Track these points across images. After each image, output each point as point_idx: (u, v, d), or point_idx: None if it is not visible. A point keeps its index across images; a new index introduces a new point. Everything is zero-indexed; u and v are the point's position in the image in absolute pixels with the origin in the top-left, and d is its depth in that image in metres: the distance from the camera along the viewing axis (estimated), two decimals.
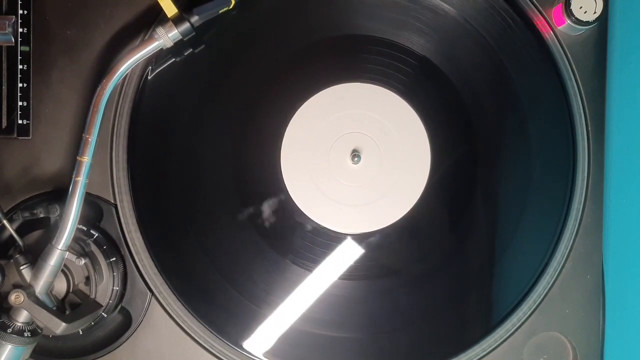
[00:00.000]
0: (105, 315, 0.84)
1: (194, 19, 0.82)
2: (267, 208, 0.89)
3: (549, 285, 0.89)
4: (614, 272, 0.96)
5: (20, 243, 0.81)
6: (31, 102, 0.86)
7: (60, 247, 0.78)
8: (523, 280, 0.89)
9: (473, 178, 0.90)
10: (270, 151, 0.89)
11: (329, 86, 0.90)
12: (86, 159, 0.79)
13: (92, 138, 0.80)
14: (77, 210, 0.78)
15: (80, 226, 0.84)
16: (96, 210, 0.87)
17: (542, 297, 0.89)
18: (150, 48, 0.82)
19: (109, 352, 0.87)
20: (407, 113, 0.90)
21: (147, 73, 0.88)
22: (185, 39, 0.83)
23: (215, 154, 0.89)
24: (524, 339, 0.89)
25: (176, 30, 0.82)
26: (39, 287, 0.78)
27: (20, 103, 0.86)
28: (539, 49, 0.90)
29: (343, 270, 0.89)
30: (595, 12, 0.87)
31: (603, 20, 0.88)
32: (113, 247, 0.86)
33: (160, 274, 0.87)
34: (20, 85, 0.86)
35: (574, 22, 0.87)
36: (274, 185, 0.89)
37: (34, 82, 0.86)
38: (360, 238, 0.90)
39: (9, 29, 0.84)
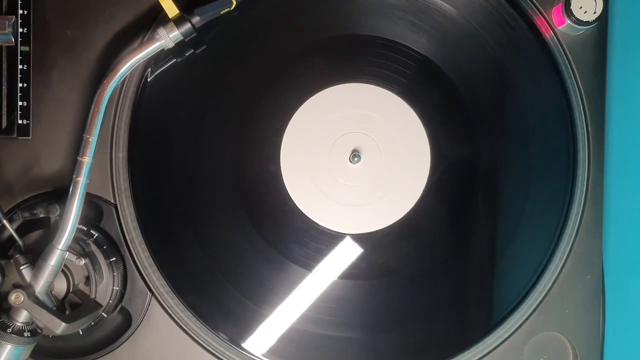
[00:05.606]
0: (105, 315, 0.84)
1: (196, 19, 0.82)
2: (266, 208, 0.89)
3: (549, 285, 0.89)
4: (614, 272, 0.95)
5: (20, 243, 0.81)
6: (31, 102, 0.86)
7: (60, 247, 0.78)
8: (523, 280, 0.89)
9: (473, 178, 0.91)
10: (270, 151, 0.89)
11: (329, 86, 0.90)
12: (87, 159, 0.79)
13: (92, 138, 0.80)
14: (77, 210, 0.78)
15: (80, 226, 0.84)
16: (96, 210, 0.87)
17: (542, 297, 0.89)
18: (151, 49, 0.82)
19: (109, 352, 0.87)
20: (407, 113, 0.90)
21: (148, 73, 0.88)
22: (186, 40, 0.83)
23: (215, 154, 0.89)
24: (524, 339, 0.89)
25: (177, 31, 0.82)
26: (39, 287, 0.78)
27: (20, 103, 0.86)
28: (539, 49, 0.90)
29: (343, 270, 0.89)
30: (595, 12, 0.87)
31: (603, 20, 0.88)
32: (113, 247, 0.86)
33: (160, 274, 0.87)
34: (20, 85, 0.86)
35: (574, 22, 0.87)
36: (274, 185, 0.89)
37: (34, 82, 0.86)
38: (360, 238, 0.90)
39: (9, 29, 0.84)
